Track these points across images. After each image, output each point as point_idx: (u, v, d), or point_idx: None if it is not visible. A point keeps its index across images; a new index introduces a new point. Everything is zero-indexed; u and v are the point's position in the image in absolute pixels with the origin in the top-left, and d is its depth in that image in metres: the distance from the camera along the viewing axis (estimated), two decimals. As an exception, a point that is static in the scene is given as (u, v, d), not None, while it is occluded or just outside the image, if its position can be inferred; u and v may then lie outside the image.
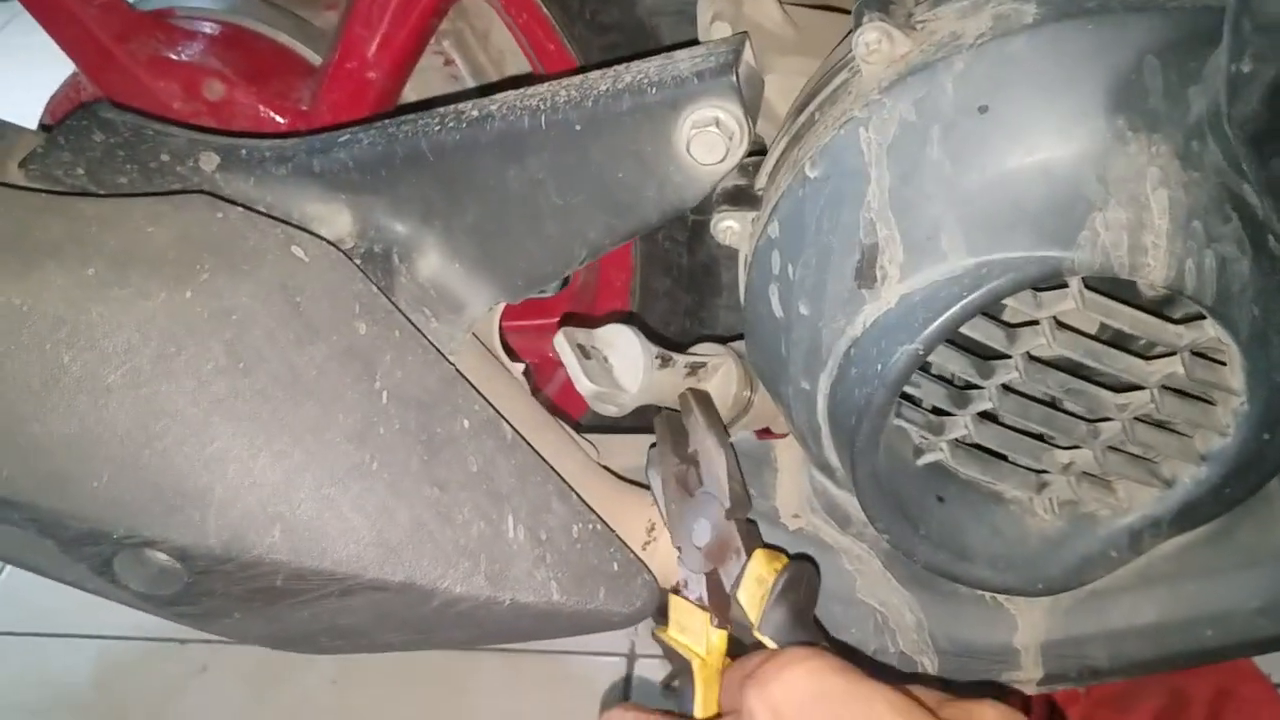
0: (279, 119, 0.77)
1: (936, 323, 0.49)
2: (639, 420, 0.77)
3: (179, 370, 0.49)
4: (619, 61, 0.56)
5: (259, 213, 0.54)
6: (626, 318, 0.82)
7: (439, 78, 0.88)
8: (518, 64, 0.87)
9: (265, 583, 0.51)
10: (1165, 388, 0.53)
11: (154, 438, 0.49)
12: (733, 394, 0.64)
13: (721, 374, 0.64)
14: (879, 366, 0.51)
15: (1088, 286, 0.50)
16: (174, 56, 0.77)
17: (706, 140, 0.52)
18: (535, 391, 0.64)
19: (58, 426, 0.47)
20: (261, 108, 0.77)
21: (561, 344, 0.59)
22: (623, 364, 0.59)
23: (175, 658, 1.26)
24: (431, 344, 0.55)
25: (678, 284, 0.81)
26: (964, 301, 0.48)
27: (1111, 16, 0.46)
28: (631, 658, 1.31)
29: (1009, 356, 0.53)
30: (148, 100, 0.76)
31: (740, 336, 0.70)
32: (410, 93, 0.83)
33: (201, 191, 0.55)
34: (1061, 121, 0.46)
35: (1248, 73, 0.41)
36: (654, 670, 1.31)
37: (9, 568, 1.30)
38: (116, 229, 0.50)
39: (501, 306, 0.61)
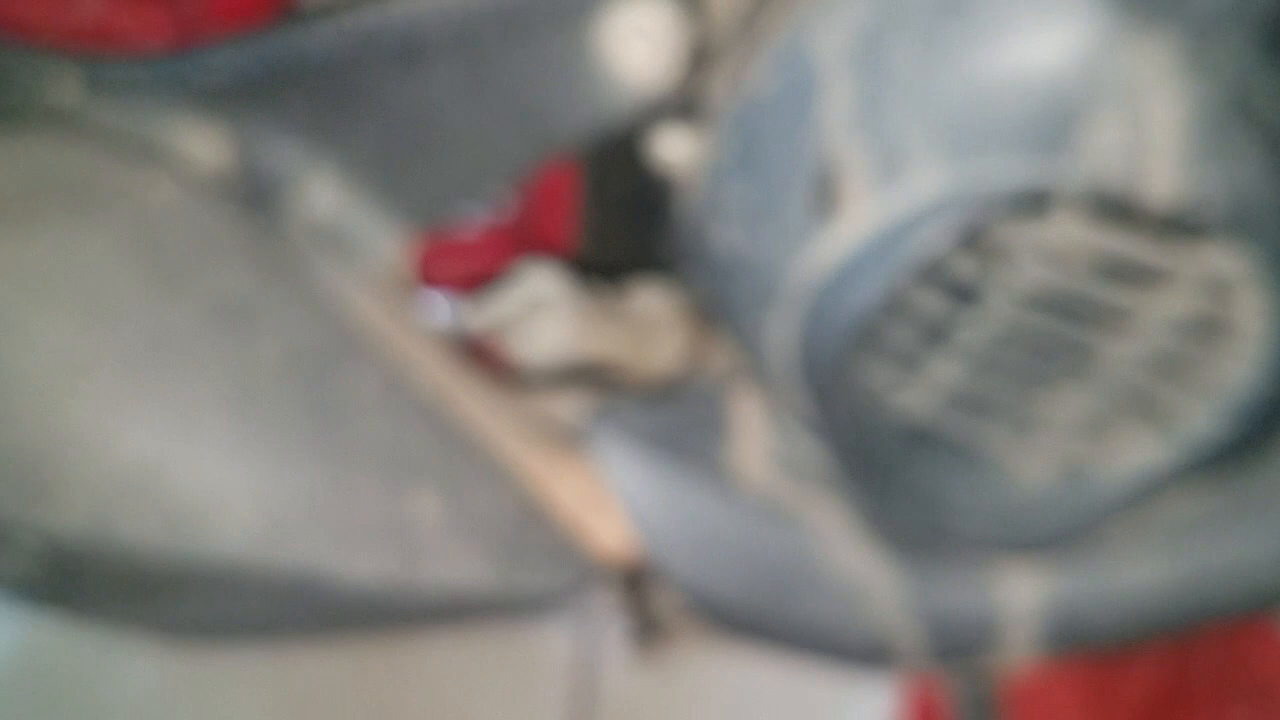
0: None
1: (910, 253, 0.43)
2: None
3: (30, 336, 0.42)
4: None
5: (121, 149, 0.47)
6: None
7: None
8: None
9: (144, 571, 0.45)
10: (1169, 323, 0.46)
11: (4, 413, 0.42)
12: (675, 350, 0.57)
13: (666, 332, 0.57)
14: (848, 304, 0.45)
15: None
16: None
17: (630, 50, 0.45)
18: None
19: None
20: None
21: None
22: (546, 320, 0.52)
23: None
24: (329, 292, 0.48)
25: (627, 215, 0.74)
26: (941, 227, 0.42)
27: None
28: (595, 624, 1.26)
29: (993, 291, 0.46)
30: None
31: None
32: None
33: (52, 128, 0.48)
34: (1051, 16, 0.39)
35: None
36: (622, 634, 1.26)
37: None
38: (-58, 170, 0.43)
39: (411, 240, 0.54)
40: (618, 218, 0.76)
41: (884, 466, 0.51)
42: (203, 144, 0.50)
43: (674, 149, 0.51)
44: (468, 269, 0.82)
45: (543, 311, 0.51)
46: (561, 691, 1.19)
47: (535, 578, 0.51)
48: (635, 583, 1.21)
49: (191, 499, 0.43)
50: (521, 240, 0.83)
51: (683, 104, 0.52)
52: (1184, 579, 0.57)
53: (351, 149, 0.50)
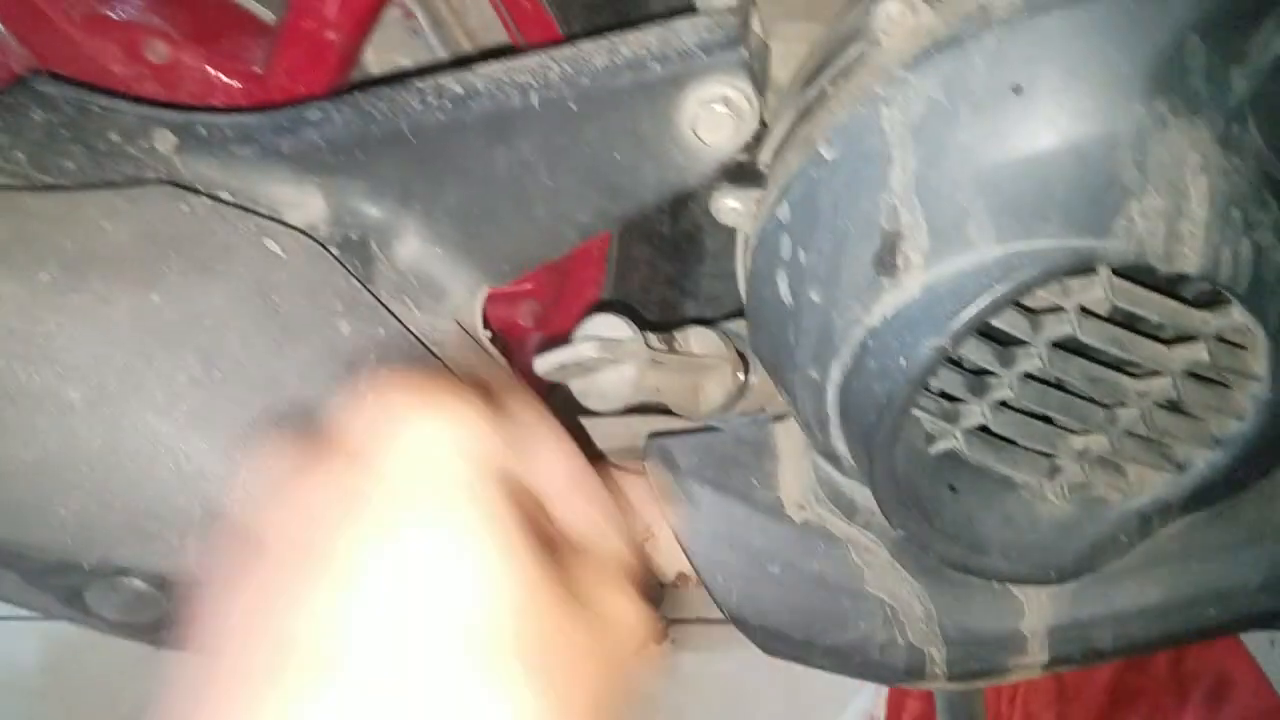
0: (231, 83, 0.71)
1: (963, 316, 0.46)
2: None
3: (149, 383, 0.44)
4: (603, 28, 0.52)
5: (225, 202, 0.49)
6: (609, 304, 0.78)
7: (398, 32, 0.82)
8: (482, 18, 0.81)
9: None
10: (1185, 373, 0.51)
11: (124, 458, 0.44)
12: (726, 391, 0.61)
13: (717, 374, 0.61)
14: (901, 361, 0.48)
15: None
16: (112, 14, 0.70)
17: (713, 120, 0.48)
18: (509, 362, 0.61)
19: (16, 451, 0.42)
20: (210, 70, 0.71)
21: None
22: (614, 370, 0.56)
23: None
24: (417, 338, 0.51)
25: (659, 252, 0.78)
26: (993, 293, 0.46)
27: (1152, -9, 0.43)
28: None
29: (1029, 344, 0.50)
30: (83, 65, 0.70)
31: (729, 315, 0.68)
32: (368, 51, 0.77)
33: (161, 181, 0.50)
34: (1099, 103, 0.44)
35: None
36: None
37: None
38: (69, 227, 0.45)
39: (485, 292, 0.57)
40: (647, 267, 0.80)
41: (923, 507, 0.55)
42: (296, 199, 0.52)
43: (730, 208, 0.54)
44: (500, 314, 0.85)
45: (610, 360, 0.54)
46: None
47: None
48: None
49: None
50: (552, 286, 0.86)
51: (737, 166, 0.56)
52: (1177, 602, 0.62)
53: (435, 208, 0.53)
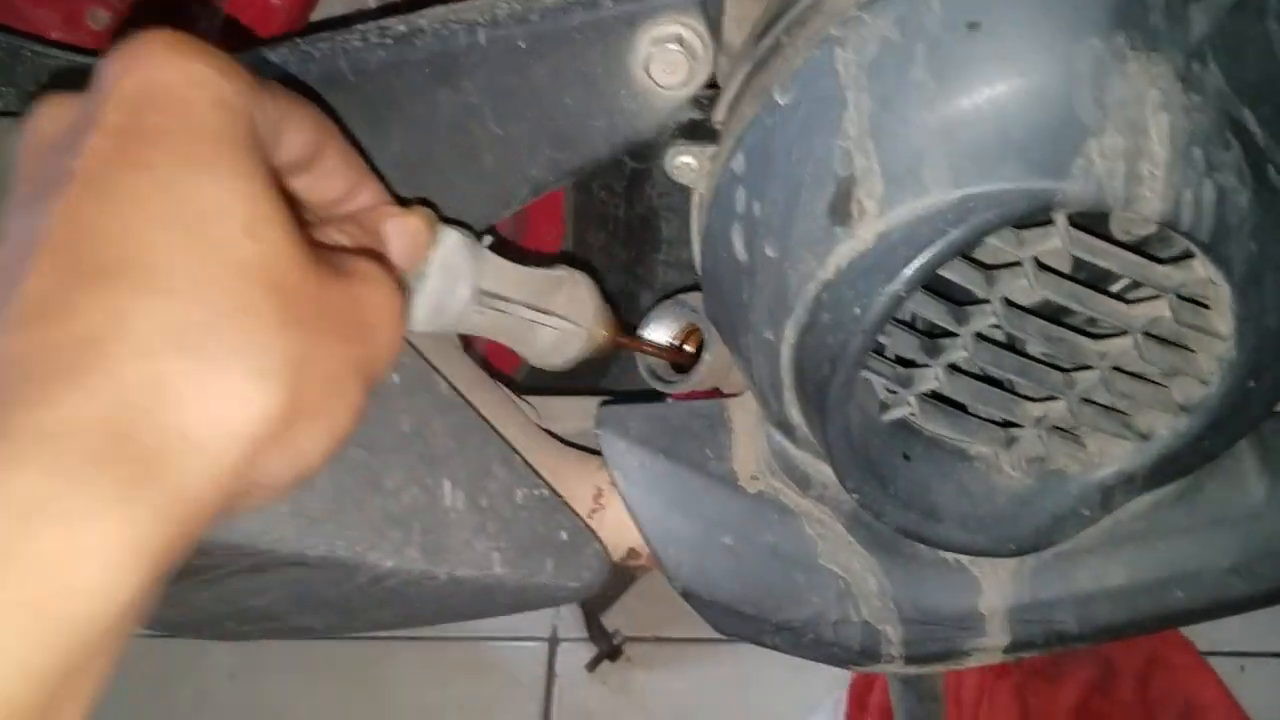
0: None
1: (918, 261, 0.45)
2: (581, 381, 0.72)
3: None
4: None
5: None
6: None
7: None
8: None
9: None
10: (1147, 334, 0.50)
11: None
12: (572, 350, 0.56)
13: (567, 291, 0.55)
14: (855, 311, 0.47)
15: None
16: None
17: (667, 59, 0.47)
18: (467, 348, 0.59)
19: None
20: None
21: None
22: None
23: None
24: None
25: (614, 238, 0.76)
26: (948, 238, 0.45)
27: (1111, -75, 0.42)
28: (554, 642, 1.26)
29: (985, 301, 0.49)
30: (23, 27, 0.68)
31: (683, 289, 0.66)
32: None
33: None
34: (1057, 39, 0.43)
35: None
36: (577, 655, 1.27)
37: None
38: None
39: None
40: (602, 254, 0.78)
41: (878, 474, 0.53)
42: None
43: (684, 164, 0.53)
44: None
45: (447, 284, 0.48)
46: (533, 704, 1.19)
47: (549, 577, 0.52)
48: (598, 609, 1.21)
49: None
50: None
51: (691, 123, 0.54)
52: (1143, 584, 0.60)
53: (377, 155, 0.51)
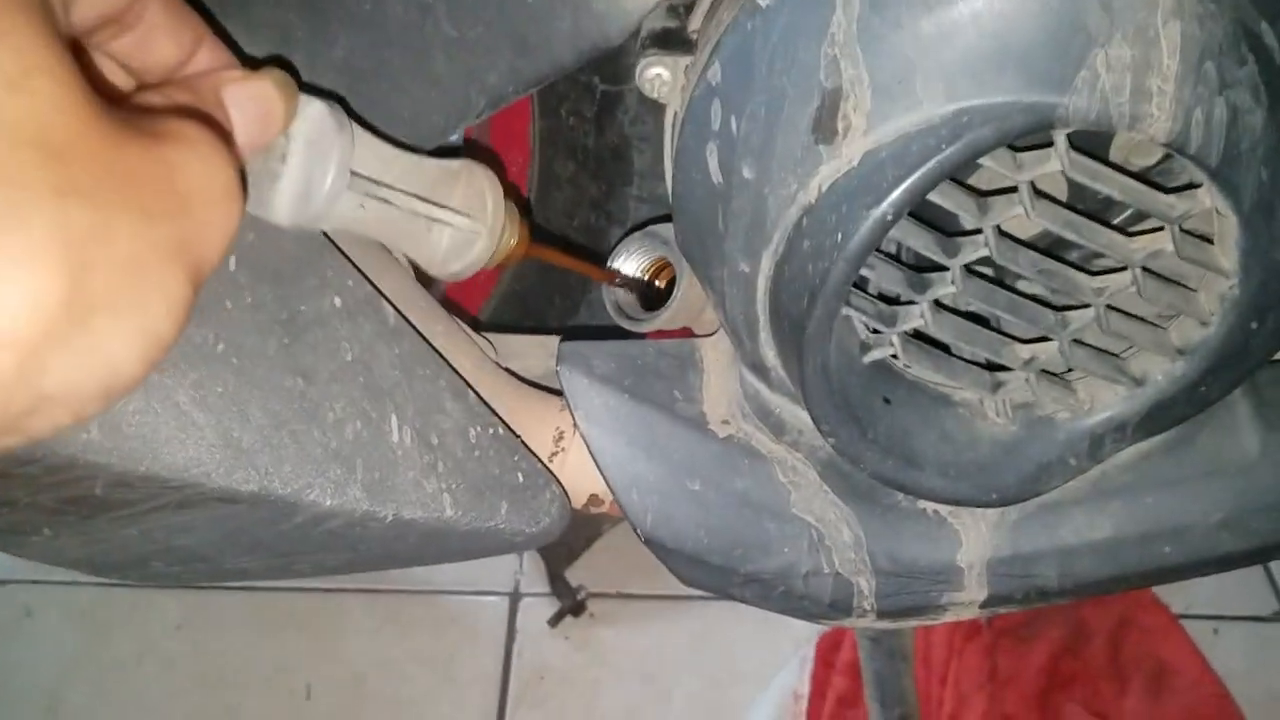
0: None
1: (908, 182, 0.42)
2: (549, 322, 0.68)
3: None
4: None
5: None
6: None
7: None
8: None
9: (81, 490, 0.41)
10: (1146, 270, 0.47)
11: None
12: (486, 231, 0.49)
13: (464, 185, 0.48)
14: (838, 236, 0.43)
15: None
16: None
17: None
18: (426, 287, 0.55)
19: None
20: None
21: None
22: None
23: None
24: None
25: (583, 169, 0.72)
26: (940, 156, 0.41)
27: None
28: (515, 597, 1.23)
29: (976, 232, 0.46)
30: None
31: (655, 220, 0.62)
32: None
33: None
34: (1066, -62, 0.39)
35: None
36: (539, 610, 1.24)
37: None
38: None
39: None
40: (570, 187, 0.74)
41: (856, 418, 0.50)
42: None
43: (657, 76, 0.49)
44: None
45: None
46: (492, 660, 1.16)
47: (502, 521, 0.48)
48: (561, 564, 1.18)
49: (141, 412, 0.39)
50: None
51: (665, 31, 0.50)
52: (1129, 537, 0.58)
53: (319, 58, 0.47)
